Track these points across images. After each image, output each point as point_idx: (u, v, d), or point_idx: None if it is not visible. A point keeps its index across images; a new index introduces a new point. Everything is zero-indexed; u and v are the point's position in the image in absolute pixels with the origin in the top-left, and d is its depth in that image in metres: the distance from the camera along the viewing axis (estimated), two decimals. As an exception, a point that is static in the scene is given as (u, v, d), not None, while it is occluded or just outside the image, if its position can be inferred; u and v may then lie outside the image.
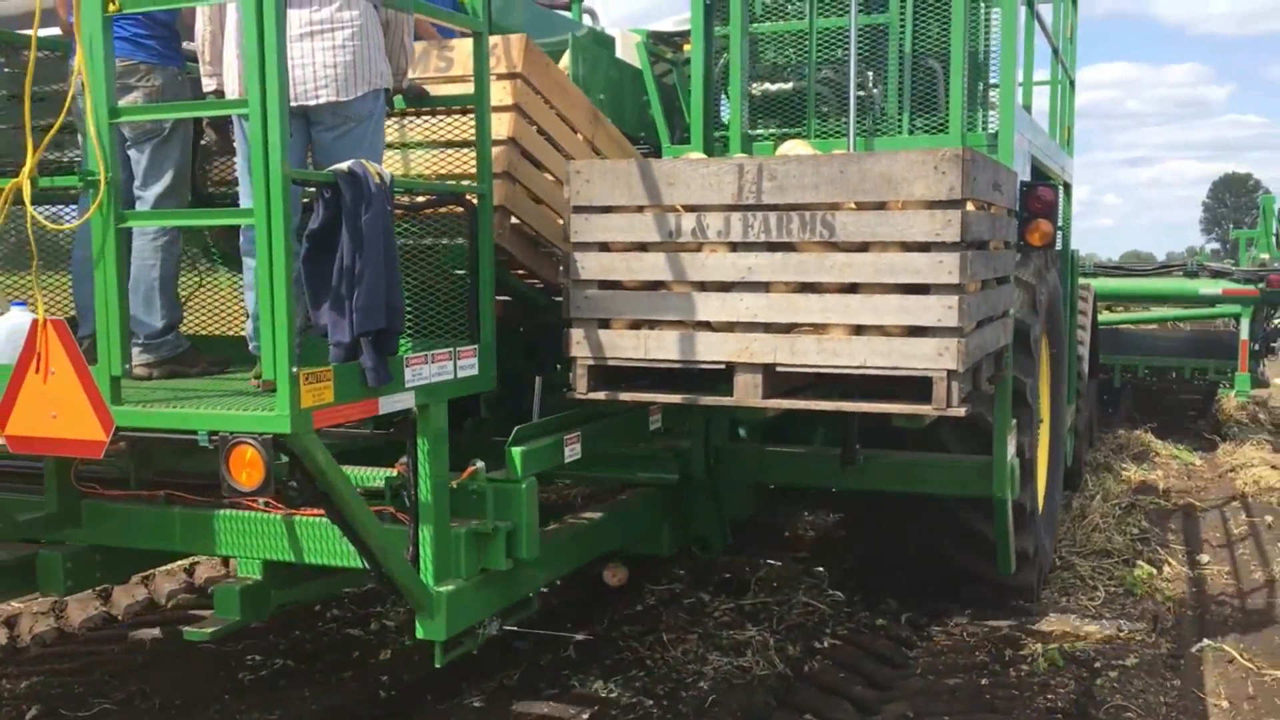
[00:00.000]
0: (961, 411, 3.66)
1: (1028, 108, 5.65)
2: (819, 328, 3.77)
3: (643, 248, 3.97)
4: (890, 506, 5.52)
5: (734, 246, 3.83)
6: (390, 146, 4.06)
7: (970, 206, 3.64)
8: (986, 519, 5.02)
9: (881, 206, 3.68)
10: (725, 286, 3.87)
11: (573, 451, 4.21)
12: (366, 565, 3.52)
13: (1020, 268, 5.47)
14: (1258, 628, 5.58)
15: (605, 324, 4.07)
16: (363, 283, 3.07)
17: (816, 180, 3.68)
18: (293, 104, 3.49)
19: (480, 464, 3.82)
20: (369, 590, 5.72)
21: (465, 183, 3.92)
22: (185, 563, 6.22)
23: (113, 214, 3.14)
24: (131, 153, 3.92)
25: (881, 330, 3.68)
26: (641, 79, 5.86)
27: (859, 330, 3.72)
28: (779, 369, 3.82)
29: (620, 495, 5.28)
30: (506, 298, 4.81)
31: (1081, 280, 10.45)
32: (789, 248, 3.76)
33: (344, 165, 3.18)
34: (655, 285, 3.98)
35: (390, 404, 3.40)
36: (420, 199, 3.99)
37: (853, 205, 3.71)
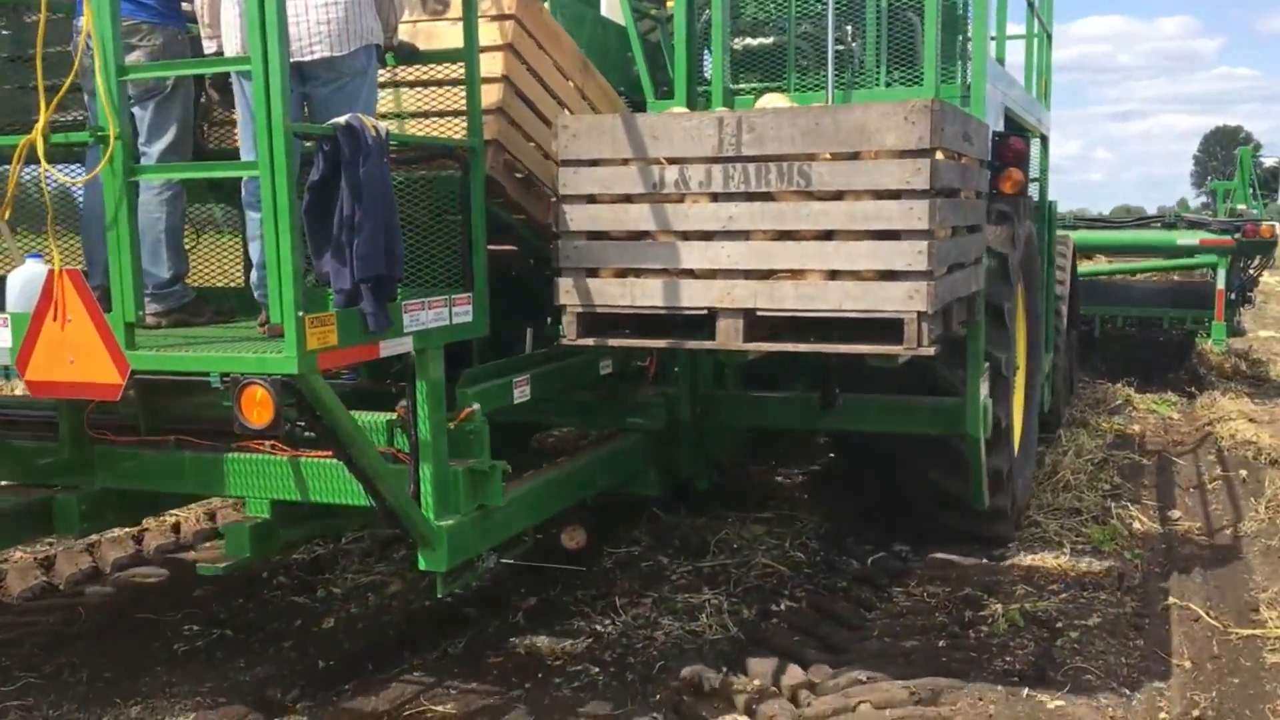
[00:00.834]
0: (931, 351, 3.85)
1: (1001, 60, 5.80)
2: (796, 273, 3.95)
3: (628, 199, 4.14)
4: (868, 456, 5.76)
5: (715, 197, 4.00)
6: (385, 103, 4.21)
7: (940, 155, 3.82)
8: (959, 470, 5.25)
9: (855, 156, 3.85)
10: (707, 235, 4.04)
11: (522, 393, 4.41)
12: (372, 501, 3.71)
13: (990, 228, 5.68)
14: (1226, 585, 5.51)
15: (593, 273, 4.24)
16: (363, 231, 3.24)
17: (793, 132, 3.86)
18: (289, 60, 3.65)
19: (477, 406, 4.02)
20: (317, 556, 5.83)
21: (457, 137, 4.07)
22: (134, 529, 6.18)
23: (124, 168, 3.30)
24: (135, 110, 4.06)
25: (855, 275, 3.87)
26: (625, 36, 5.99)
27: (834, 275, 3.90)
28: (759, 313, 4.01)
29: (610, 439, 5.49)
30: (509, 247, 5.00)
31: (1061, 232, 10.68)
32: (767, 197, 3.94)
33: (342, 119, 3.34)
34: (640, 235, 4.15)
35: (390, 348, 3.58)
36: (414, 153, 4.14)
37: (828, 156, 3.88)
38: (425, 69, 4.27)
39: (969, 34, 5.37)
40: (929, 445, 5.33)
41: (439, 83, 4.22)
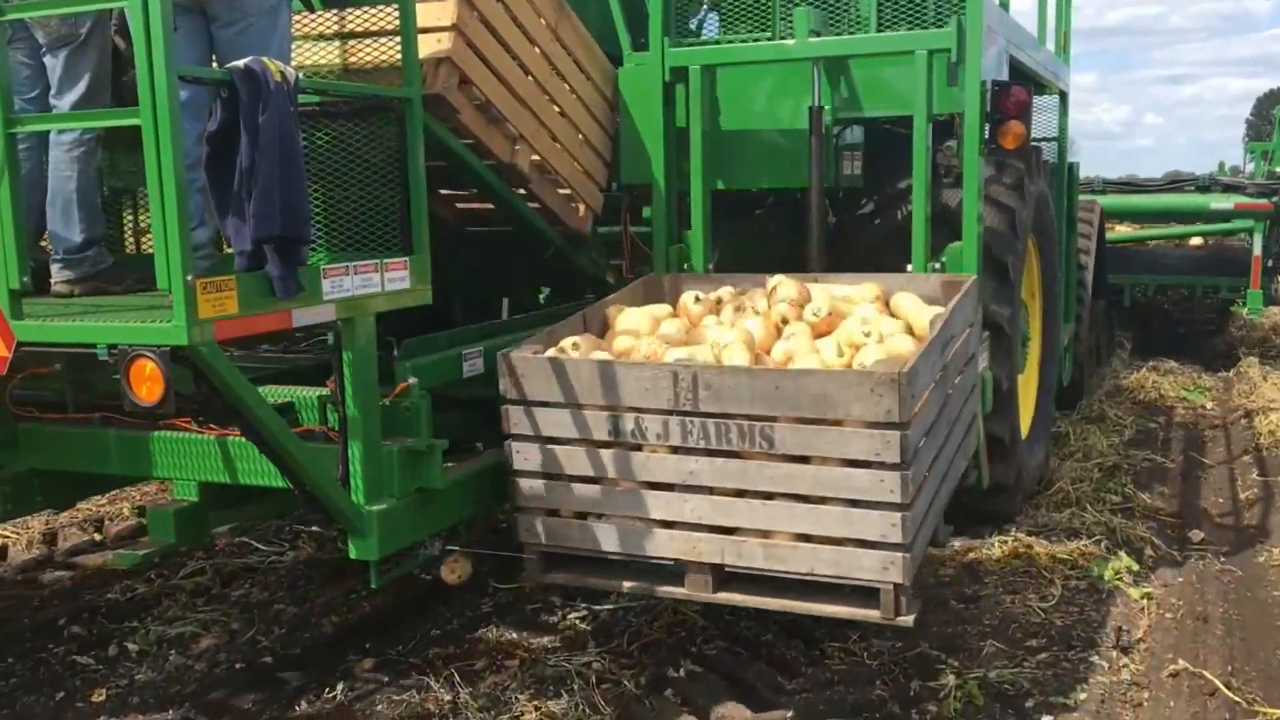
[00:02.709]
0: (910, 620, 3.50)
1: (1005, 6, 5.37)
2: (765, 533, 3.60)
3: (583, 444, 3.77)
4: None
5: (675, 449, 3.63)
6: (304, 39, 3.88)
7: (911, 424, 3.40)
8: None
9: (820, 421, 3.47)
10: (669, 487, 3.68)
11: (473, 366, 4.09)
12: (289, 484, 3.41)
13: (995, 182, 5.28)
14: (1256, 641, 4.35)
15: (553, 512, 3.88)
16: (257, 186, 2.92)
17: (752, 394, 3.47)
18: (187, -2, 3.34)
19: (414, 380, 3.70)
20: (135, 596, 4.98)
21: (389, 87, 3.72)
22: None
23: (1, 120, 2.99)
24: (47, 59, 3.75)
25: (827, 539, 3.51)
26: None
27: (805, 538, 3.54)
28: (728, 569, 3.69)
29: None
30: (486, 205, 4.66)
31: (1087, 197, 10.19)
32: (730, 454, 3.57)
33: (241, 63, 3.01)
34: (599, 479, 3.77)
35: (305, 317, 3.27)
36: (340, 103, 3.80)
37: (792, 418, 3.50)
38: (355, 20, 3.94)
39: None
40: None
41: (372, 34, 3.88)
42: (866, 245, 5.40)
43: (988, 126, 4.80)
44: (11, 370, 3.96)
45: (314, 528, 5.61)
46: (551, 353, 3.89)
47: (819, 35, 4.75)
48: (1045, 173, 6.38)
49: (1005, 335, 5.18)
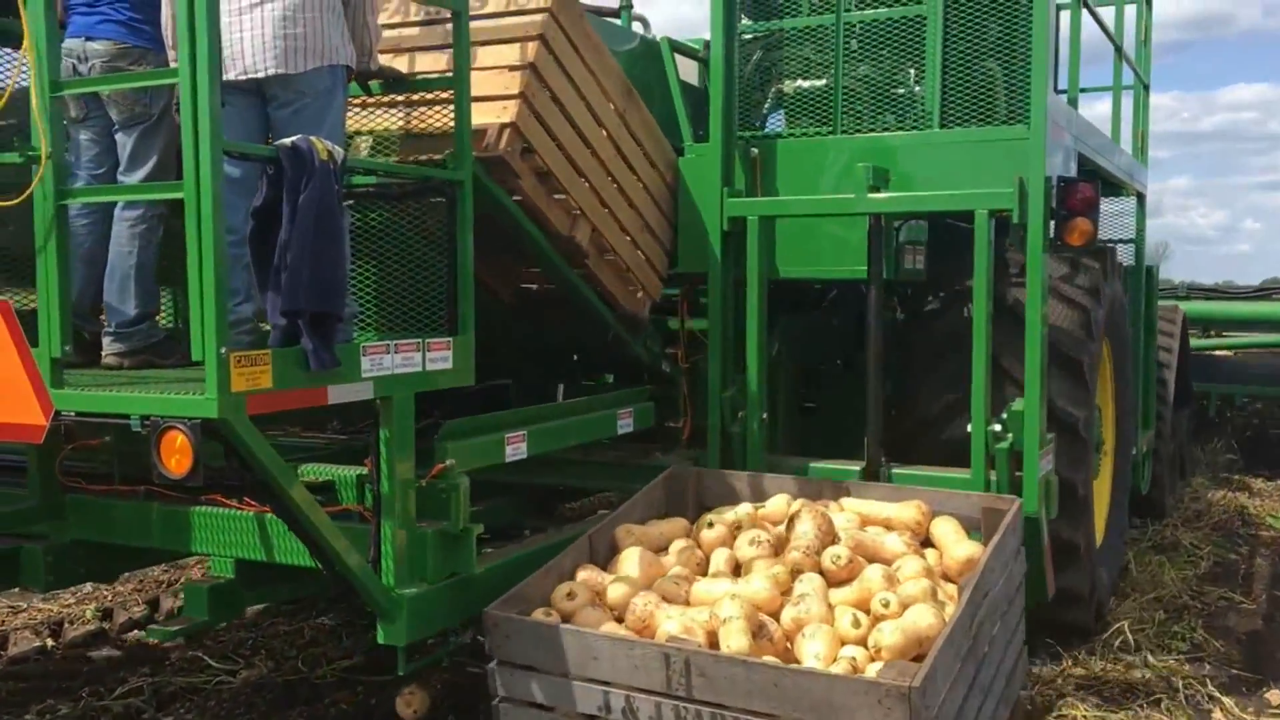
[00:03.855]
0: None
1: (1073, 103, 5.28)
2: None
3: (571, 716, 3.46)
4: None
5: None
6: (362, 133, 3.94)
7: None
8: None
9: None
10: None
11: (516, 450, 4.02)
12: (318, 564, 3.36)
13: (1068, 281, 5.14)
14: None
15: None
16: (289, 260, 2.93)
17: (749, 688, 3.17)
18: (243, 77, 3.42)
19: (452, 461, 3.65)
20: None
21: (439, 170, 3.75)
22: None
23: (53, 190, 3.06)
24: (119, 137, 3.86)
25: None
26: (694, 94, 5.70)
27: None
28: None
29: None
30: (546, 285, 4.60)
31: (1170, 302, 9.91)
32: None
33: (288, 140, 3.05)
34: None
35: (342, 394, 3.25)
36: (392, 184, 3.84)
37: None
38: (416, 114, 4.00)
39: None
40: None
41: (432, 103, 3.94)
42: (930, 343, 5.26)
43: (1054, 224, 4.67)
44: (63, 441, 4.05)
45: (274, 642, 5.25)
46: (539, 614, 3.54)
47: (878, 190, 4.67)
48: (1120, 274, 6.20)
49: (1080, 439, 4.96)
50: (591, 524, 4.49)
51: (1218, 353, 11.34)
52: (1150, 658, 5.13)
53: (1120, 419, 6.32)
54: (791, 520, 3.96)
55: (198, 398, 2.88)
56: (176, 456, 2.93)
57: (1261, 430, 11.31)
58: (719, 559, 3.93)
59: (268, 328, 3.31)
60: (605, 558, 4.01)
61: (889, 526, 4.09)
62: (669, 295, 5.34)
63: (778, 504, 4.26)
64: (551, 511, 5.64)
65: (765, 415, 4.95)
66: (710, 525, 4.08)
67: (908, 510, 4.13)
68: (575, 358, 5.87)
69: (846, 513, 4.18)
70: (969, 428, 4.52)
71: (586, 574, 3.83)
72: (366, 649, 4.85)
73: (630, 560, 3.88)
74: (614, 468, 5.15)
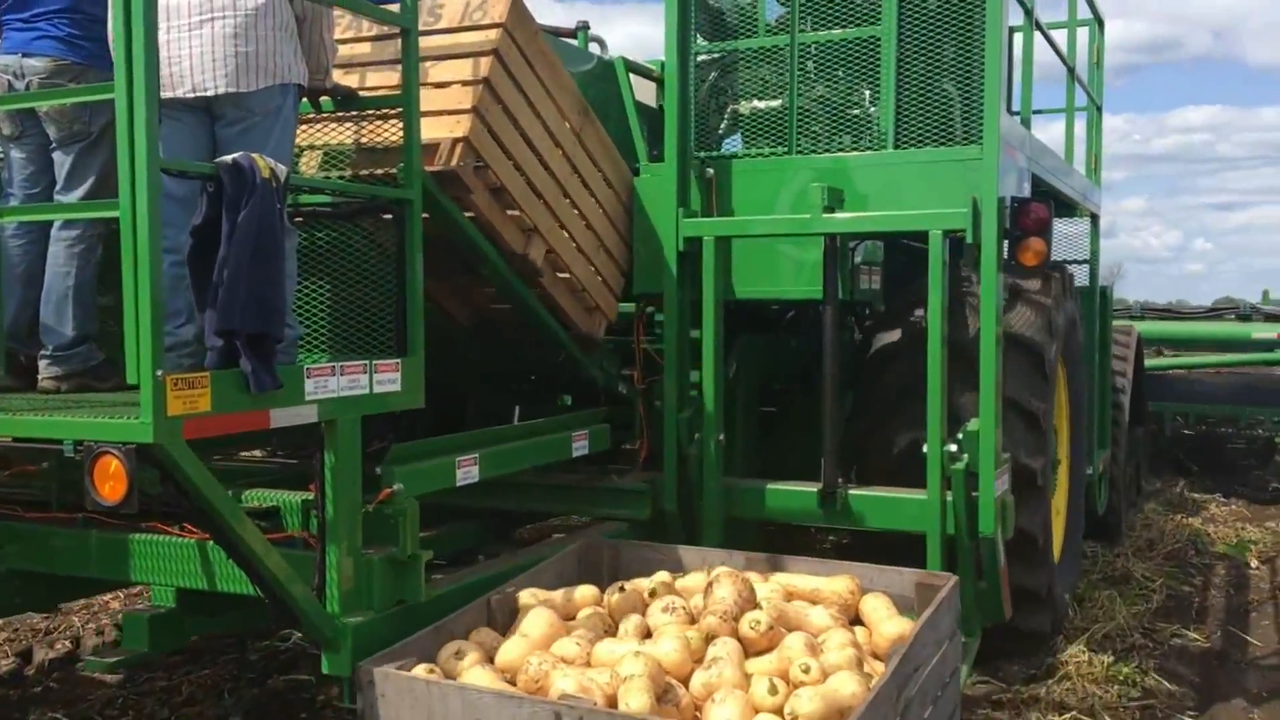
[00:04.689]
0: None
1: (1026, 123, 5.31)
2: None
3: None
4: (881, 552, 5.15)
5: None
6: (314, 148, 3.87)
7: None
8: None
9: None
10: None
11: (468, 473, 3.94)
12: (259, 592, 3.26)
13: (1023, 299, 5.13)
14: None
15: None
16: (225, 279, 2.85)
17: None
18: (191, 95, 3.34)
19: (399, 486, 3.57)
20: None
21: (388, 187, 3.68)
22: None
23: (-16, 208, 2.97)
24: (56, 155, 3.78)
25: None
26: (651, 114, 5.67)
27: None
28: None
29: (591, 528, 4.99)
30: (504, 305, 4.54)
31: (1125, 322, 10.00)
32: None
33: (229, 157, 2.98)
34: None
35: (285, 417, 3.16)
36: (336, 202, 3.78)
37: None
38: (369, 129, 3.94)
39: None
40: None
41: (383, 118, 3.87)
42: (886, 361, 5.24)
43: (1008, 244, 4.68)
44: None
45: (147, 700, 4.74)
46: (420, 670, 3.20)
47: (833, 211, 4.64)
48: (1075, 295, 6.22)
49: (1039, 429, 4.91)
50: (548, 549, 4.43)
51: (1172, 372, 11.46)
52: (1096, 705, 4.78)
53: (1075, 438, 6.33)
54: (710, 586, 3.64)
55: (132, 422, 2.79)
56: (110, 483, 2.84)
57: (1216, 449, 11.44)
58: (628, 624, 3.58)
59: None
60: (504, 625, 3.62)
61: (816, 600, 3.79)
62: (626, 315, 5.29)
63: (698, 576, 3.94)
64: (507, 535, 5.56)
65: (722, 437, 4.90)
66: (621, 589, 3.77)
67: (837, 584, 3.83)
68: (532, 378, 5.81)
69: (771, 584, 3.88)
70: (925, 448, 4.50)
71: (480, 635, 3.48)
72: (247, 707, 4.64)
73: (530, 620, 3.51)
74: (569, 490, 5.10)
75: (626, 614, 3.63)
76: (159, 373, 2.76)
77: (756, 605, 3.55)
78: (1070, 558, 6.12)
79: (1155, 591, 6.65)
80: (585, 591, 3.84)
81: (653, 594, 3.72)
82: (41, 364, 3.68)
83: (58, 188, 3.77)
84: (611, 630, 3.60)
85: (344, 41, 4.21)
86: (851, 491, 4.75)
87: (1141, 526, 8.38)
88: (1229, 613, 6.56)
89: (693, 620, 3.55)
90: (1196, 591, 6.94)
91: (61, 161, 3.77)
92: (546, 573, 3.95)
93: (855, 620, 3.76)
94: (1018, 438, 4.82)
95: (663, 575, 3.95)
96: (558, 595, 3.79)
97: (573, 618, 3.67)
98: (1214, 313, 12.03)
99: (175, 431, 2.81)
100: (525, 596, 3.70)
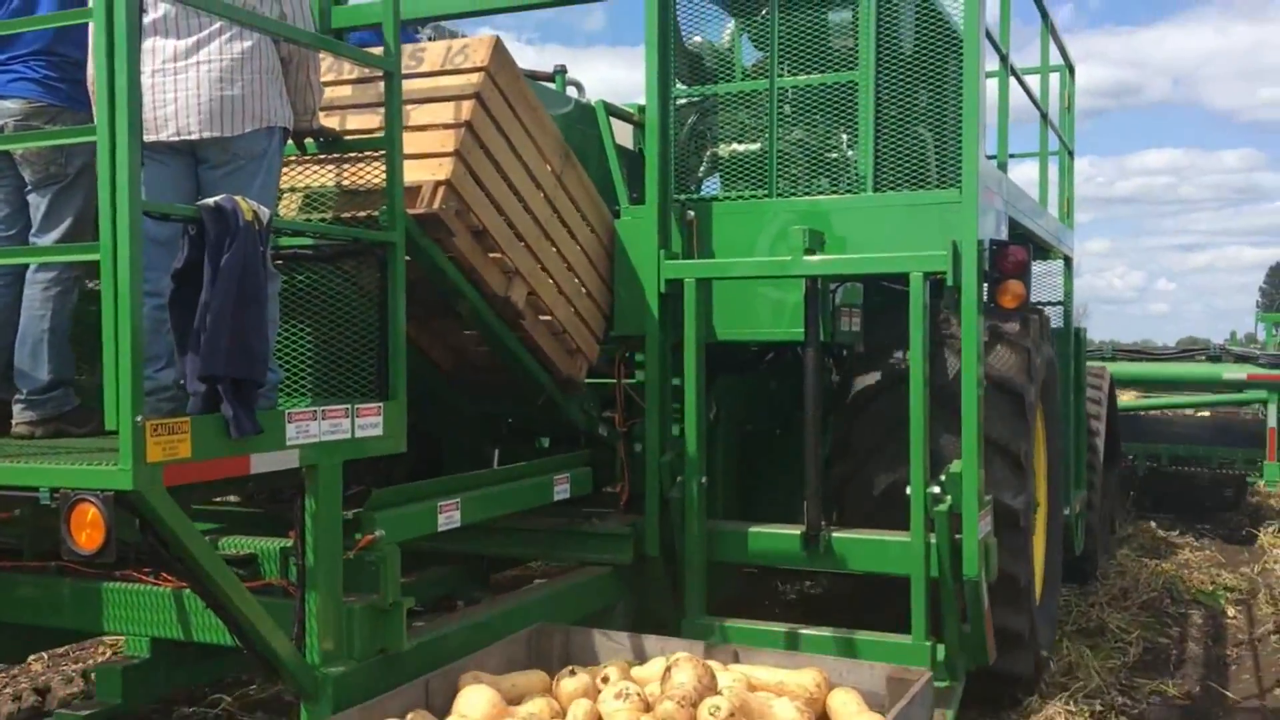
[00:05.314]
0: None
1: (1003, 167, 5.37)
2: None
3: None
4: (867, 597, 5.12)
5: None
6: (296, 189, 3.85)
7: None
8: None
9: None
10: None
11: (449, 519, 3.89)
12: (237, 642, 3.19)
13: (1004, 340, 5.15)
14: None
15: None
16: (208, 324, 2.82)
17: None
18: (176, 138, 3.31)
19: (381, 533, 3.52)
20: None
21: (371, 230, 3.66)
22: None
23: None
24: (31, 198, 3.73)
25: None
26: (630, 157, 5.69)
27: None
28: None
29: (572, 573, 4.94)
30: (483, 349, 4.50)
31: (1098, 363, 10.08)
32: None
33: (211, 200, 2.95)
34: None
35: (265, 463, 3.11)
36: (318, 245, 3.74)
37: None
38: (353, 171, 3.92)
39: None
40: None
41: (366, 160, 3.86)
42: (866, 403, 5.24)
43: (986, 286, 4.71)
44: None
45: None
46: None
47: (814, 253, 4.66)
48: (1049, 337, 6.26)
49: (1021, 468, 4.91)
50: (528, 595, 4.38)
51: (1143, 413, 11.55)
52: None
53: (1051, 479, 6.34)
54: (668, 671, 3.42)
55: (110, 469, 2.73)
56: (87, 531, 2.78)
57: (1188, 489, 11.51)
58: (578, 710, 3.39)
59: None
60: (441, 710, 3.37)
61: (781, 693, 3.57)
62: (608, 356, 5.27)
63: (656, 663, 3.67)
64: (485, 581, 5.49)
65: (704, 479, 4.87)
66: (572, 672, 3.57)
67: (803, 677, 3.62)
68: (510, 421, 5.76)
69: (733, 673, 3.64)
70: (908, 489, 4.49)
71: (416, 718, 3.24)
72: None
73: (468, 700, 3.32)
74: (550, 534, 5.04)
75: (576, 699, 3.44)
76: (138, 418, 2.71)
77: (718, 693, 3.35)
78: (1050, 599, 6.12)
79: (1131, 644, 6.46)
80: (532, 677, 3.63)
81: (605, 679, 3.53)
82: (16, 408, 3.62)
83: (33, 230, 3.72)
84: (560, 717, 3.43)
85: (326, 84, 4.20)
86: (834, 534, 4.72)
87: (1115, 574, 8.25)
88: (1207, 665, 6.39)
89: (648, 708, 3.34)
90: (1173, 643, 6.77)
91: (37, 204, 3.73)
92: (493, 656, 3.71)
93: (822, 716, 3.56)
94: (1000, 478, 4.82)
95: (619, 661, 3.75)
96: (503, 681, 3.53)
97: (518, 702, 3.47)
98: (1185, 353, 12.16)
99: (155, 478, 2.76)
100: (467, 679, 3.45)
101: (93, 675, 3.79)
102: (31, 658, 5.35)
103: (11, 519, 3.86)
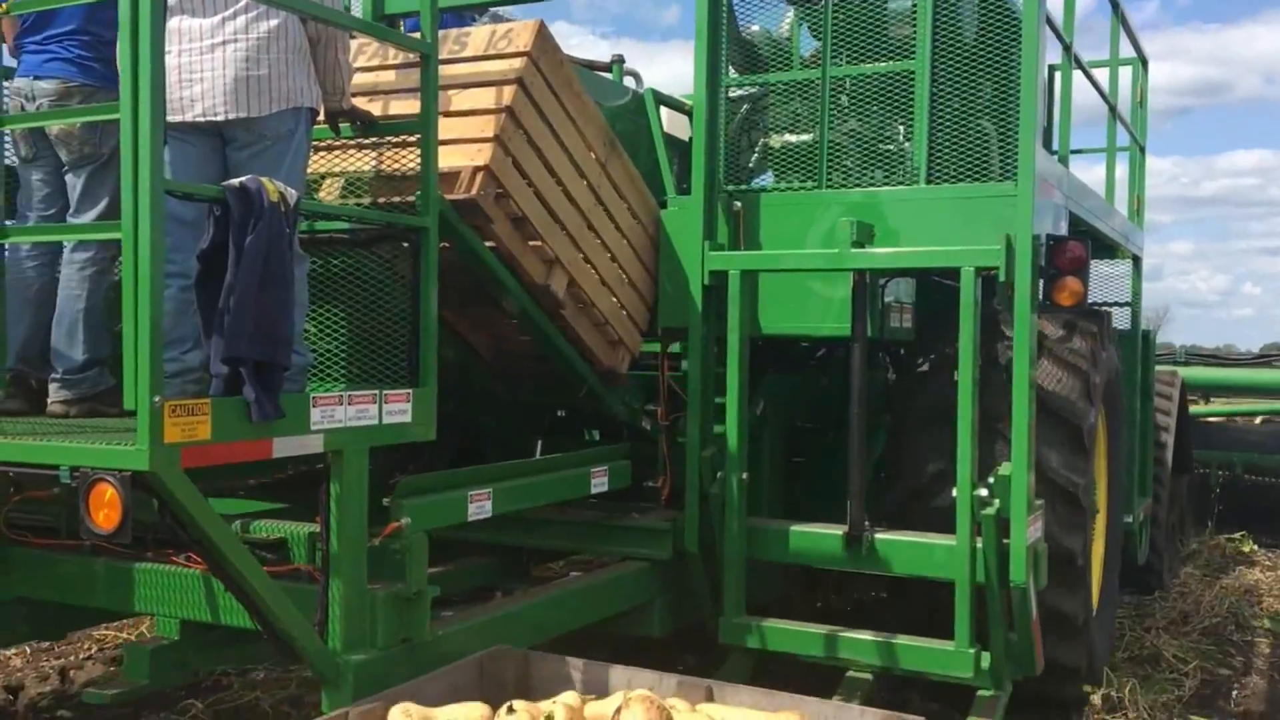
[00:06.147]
0: None
1: (1064, 161, 5.18)
2: None
3: None
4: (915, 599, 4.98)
5: None
6: (333, 175, 3.83)
7: None
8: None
9: None
10: None
11: (480, 508, 3.83)
12: (257, 625, 3.18)
13: (1064, 344, 4.97)
14: None
15: None
16: (232, 306, 2.79)
17: None
18: (203, 119, 3.30)
19: (407, 521, 3.48)
20: None
21: (404, 214, 3.62)
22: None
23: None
24: (68, 178, 3.75)
25: None
26: (683, 148, 5.60)
27: None
28: None
29: (609, 568, 4.87)
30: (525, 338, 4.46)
31: (1168, 368, 9.76)
32: None
33: (236, 181, 2.92)
34: None
35: (288, 447, 3.09)
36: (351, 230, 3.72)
37: None
38: (389, 155, 3.89)
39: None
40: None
41: (404, 145, 3.82)
42: (919, 405, 5.09)
43: (1043, 283, 4.54)
44: (12, 492, 3.87)
45: None
46: None
47: (862, 246, 4.53)
48: (1115, 339, 6.04)
49: (1079, 506, 4.76)
50: (558, 587, 4.32)
51: (1215, 419, 11.16)
52: None
53: (1113, 486, 6.13)
54: (617, 713, 3.07)
55: (127, 449, 2.72)
56: (105, 510, 2.77)
57: (1264, 500, 11.08)
58: None
59: None
60: None
61: None
62: (651, 350, 5.19)
63: (609, 702, 3.25)
64: (526, 573, 5.45)
65: (746, 476, 4.77)
66: (510, 710, 3.16)
67: None
68: (560, 414, 5.71)
69: (699, 716, 3.24)
70: (954, 492, 4.35)
71: None
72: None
73: None
74: (588, 528, 4.98)
75: None
76: (156, 399, 2.69)
77: None
78: (1107, 608, 5.91)
79: (1188, 675, 5.95)
80: (471, 710, 3.19)
81: (549, 718, 3.17)
82: (51, 387, 3.64)
83: (70, 210, 3.74)
84: None
85: (370, 69, 4.19)
86: (878, 536, 4.59)
87: (1176, 594, 7.69)
88: (1270, 701, 5.82)
89: None
90: (1235, 675, 6.21)
91: (73, 184, 3.75)
92: (438, 683, 3.34)
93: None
94: (1056, 516, 4.64)
95: (568, 697, 3.31)
96: (438, 712, 3.13)
97: (453, 736, 3.13)
98: (1262, 359, 11.73)
99: (172, 459, 2.74)
100: (396, 714, 3.06)
101: (122, 654, 3.79)
102: (13, 650, 5.30)
103: (50, 498, 3.90)
